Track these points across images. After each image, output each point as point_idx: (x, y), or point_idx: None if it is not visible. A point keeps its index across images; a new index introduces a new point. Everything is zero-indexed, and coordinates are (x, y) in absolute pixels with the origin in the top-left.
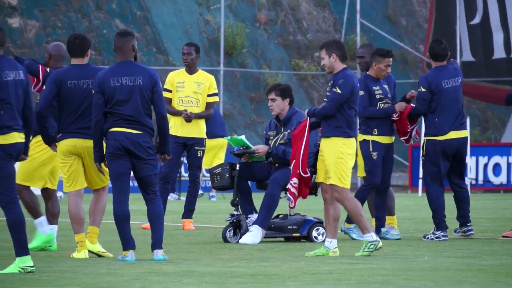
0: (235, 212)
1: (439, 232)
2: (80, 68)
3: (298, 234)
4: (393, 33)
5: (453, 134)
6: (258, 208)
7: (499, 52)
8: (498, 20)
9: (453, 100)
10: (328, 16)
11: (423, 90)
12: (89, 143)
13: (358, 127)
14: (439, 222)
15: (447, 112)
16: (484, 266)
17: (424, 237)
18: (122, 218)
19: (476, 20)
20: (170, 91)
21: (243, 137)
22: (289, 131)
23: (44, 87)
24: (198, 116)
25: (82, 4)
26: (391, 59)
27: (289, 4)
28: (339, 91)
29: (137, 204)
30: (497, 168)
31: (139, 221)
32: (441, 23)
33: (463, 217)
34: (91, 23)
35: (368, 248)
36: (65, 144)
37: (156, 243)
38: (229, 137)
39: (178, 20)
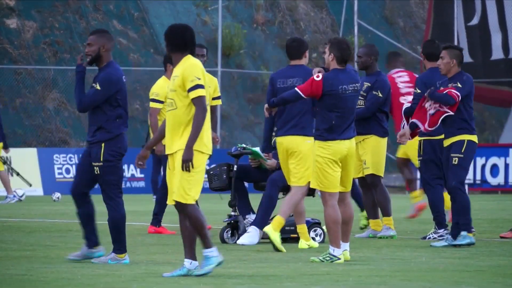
0: (233, 213)
1: (442, 230)
2: (292, 68)
3: (296, 235)
4: (391, 34)
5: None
6: (255, 209)
7: (497, 53)
8: (496, 21)
9: None
10: (326, 17)
11: (419, 91)
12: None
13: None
14: (441, 221)
15: None
16: (482, 267)
17: (425, 238)
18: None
19: (475, 21)
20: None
21: (257, 149)
22: None
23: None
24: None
25: (79, 5)
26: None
27: (286, 5)
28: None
29: (134, 205)
30: (494, 169)
31: (134, 222)
32: (439, 24)
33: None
34: (88, 24)
35: (324, 258)
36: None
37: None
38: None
39: (175, 21)
